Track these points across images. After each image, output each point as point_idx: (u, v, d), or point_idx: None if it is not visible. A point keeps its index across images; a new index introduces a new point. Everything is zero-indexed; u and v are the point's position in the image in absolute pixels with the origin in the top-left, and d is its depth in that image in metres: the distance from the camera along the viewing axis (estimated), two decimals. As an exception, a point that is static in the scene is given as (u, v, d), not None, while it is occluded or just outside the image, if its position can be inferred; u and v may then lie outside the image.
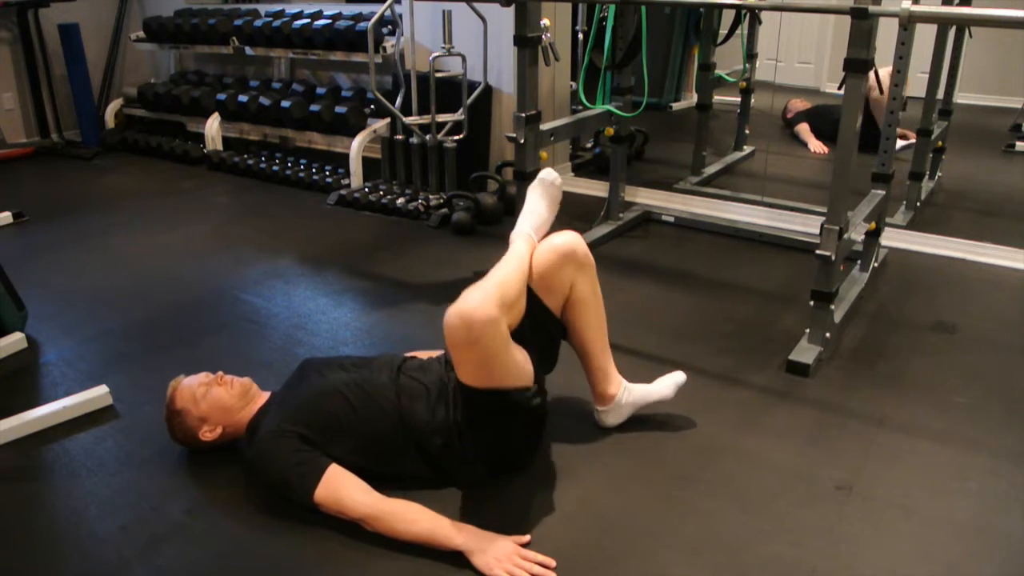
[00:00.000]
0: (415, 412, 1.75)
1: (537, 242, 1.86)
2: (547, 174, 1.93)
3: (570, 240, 1.85)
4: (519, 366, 1.65)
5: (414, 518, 1.62)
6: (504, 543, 1.58)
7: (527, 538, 1.62)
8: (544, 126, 2.87)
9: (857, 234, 2.57)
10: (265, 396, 1.90)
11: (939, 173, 4.10)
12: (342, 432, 1.73)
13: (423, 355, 1.98)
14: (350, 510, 1.65)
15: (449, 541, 1.59)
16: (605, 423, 2.03)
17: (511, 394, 1.65)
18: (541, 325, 1.82)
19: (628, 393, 2.00)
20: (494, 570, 1.54)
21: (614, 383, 1.99)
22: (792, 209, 3.62)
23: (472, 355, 1.55)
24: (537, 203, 1.90)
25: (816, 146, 4.83)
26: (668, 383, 2.03)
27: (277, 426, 1.74)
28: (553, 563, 1.57)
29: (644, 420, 2.05)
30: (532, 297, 1.79)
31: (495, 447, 1.77)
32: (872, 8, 2.07)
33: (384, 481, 1.71)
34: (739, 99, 4.51)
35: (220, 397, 1.84)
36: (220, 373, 1.89)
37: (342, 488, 1.66)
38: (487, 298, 1.53)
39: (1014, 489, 1.81)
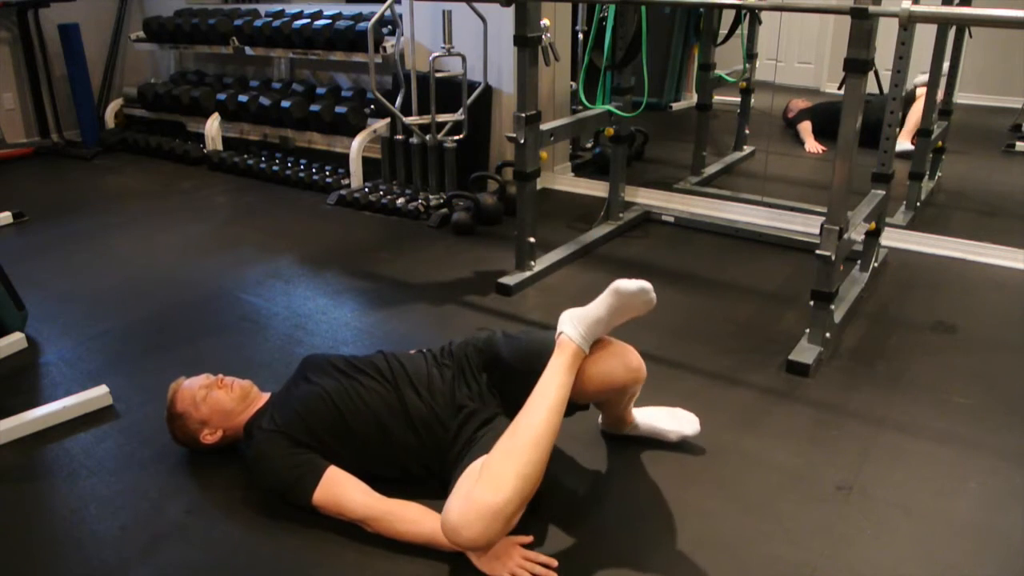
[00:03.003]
0: (406, 438, 1.72)
1: (587, 352, 1.66)
2: (643, 292, 1.61)
3: (628, 373, 1.67)
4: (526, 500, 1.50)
5: (415, 518, 1.62)
6: (506, 543, 1.58)
7: (529, 538, 1.62)
8: (544, 126, 2.87)
9: (857, 234, 2.57)
10: (265, 397, 1.90)
11: (939, 173, 4.10)
12: (332, 437, 1.72)
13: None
14: (350, 511, 1.65)
15: (451, 541, 1.58)
16: (607, 432, 2.03)
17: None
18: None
19: (635, 429, 1.96)
20: (496, 570, 1.54)
21: (626, 422, 1.95)
22: (792, 209, 3.62)
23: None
24: (607, 312, 1.63)
25: (812, 146, 4.84)
26: (675, 430, 1.95)
27: (274, 428, 1.73)
28: (555, 563, 1.57)
29: (644, 420, 2.05)
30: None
31: None
32: (872, 8, 2.07)
33: (376, 482, 1.71)
34: (739, 99, 4.51)
35: (220, 400, 1.83)
36: (220, 376, 1.89)
37: (341, 489, 1.66)
38: (494, 525, 1.40)
39: (1014, 489, 1.81)
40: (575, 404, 1.73)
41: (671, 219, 3.63)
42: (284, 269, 3.14)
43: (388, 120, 4.02)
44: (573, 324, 1.65)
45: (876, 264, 2.99)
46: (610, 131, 3.37)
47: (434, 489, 1.77)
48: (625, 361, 1.69)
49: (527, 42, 2.70)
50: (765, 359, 2.39)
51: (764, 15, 4.36)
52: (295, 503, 1.69)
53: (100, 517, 1.74)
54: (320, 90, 4.74)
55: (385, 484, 1.70)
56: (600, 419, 2.00)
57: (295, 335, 2.58)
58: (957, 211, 3.79)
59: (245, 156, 4.62)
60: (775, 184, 4.08)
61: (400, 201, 3.80)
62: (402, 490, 1.71)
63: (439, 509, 1.64)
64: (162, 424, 1.89)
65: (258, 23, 4.72)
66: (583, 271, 3.11)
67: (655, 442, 1.98)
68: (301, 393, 1.79)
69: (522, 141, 2.77)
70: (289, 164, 4.46)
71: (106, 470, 1.90)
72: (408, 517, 1.62)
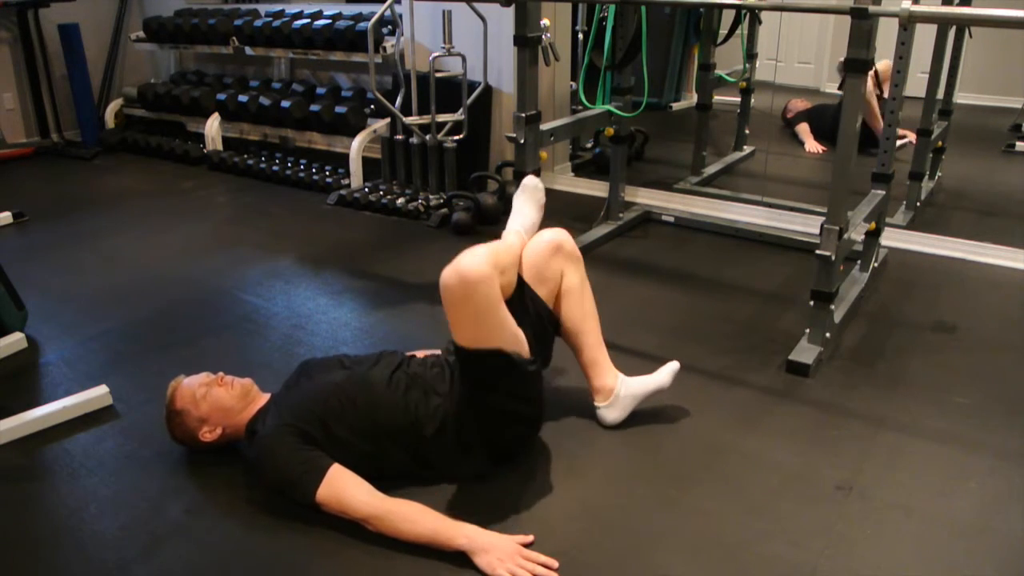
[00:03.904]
0: (413, 402, 1.77)
1: (527, 239, 2.02)
2: (529, 180, 2.12)
3: (557, 234, 2.03)
4: (513, 331, 1.73)
5: (416, 518, 1.62)
6: (506, 543, 1.58)
7: (530, 538, 1.62)
8: (544, 126, 2.87)
9: (857, 234, 2.57)
10: (265, 397, 1.90)
11: (939, 173, 4.10)
12: (341, 428, 1.73)
13: (422, 355, 1.98)
14: (352, 510, 1.65)
15: (451, 541, 1.59)
16: (606, 420, 2.03)
17: (507, 355, 1.69)
18: (535, 314, 1.92)
19: (625, 386, 2.02)
20: (497, 570, 1.54)
21: (610, 375, 2.02)
22: (792, 209, 3.62)
23: (467, 310, 1.66)
24: (523, 207, 2.10)
25: (812, 146, 4.84)
26: (664, 371, 2.06)
27: (278, 425, 1.74)
28: (555, 563, 1.57)
29: (645, 420, 2.05)
30: (526, 288, 1.92)
31: (492, 425, 1.78)
32: (872, 8, 2.07)
33: (385, 479, 1.71)
34: (739, 99, 4.51)
35: (220, 398, 1.84)
36: (220, 374, 1.89)
37: (344, 488, 1.66)
38: (480, 258, 1.66)
39: (1014, 489, 1.81)
40: (541, 312, 1.93)
41: (671, 219, 3.63)
42: (284, 269, 3.14)
43: (388, 120, 4.02)
44: (511, 223, 2.07)
45: (876, 264, 2.99)
46: (610, 131, 3.37)
47: (435, 491, 1.77)
48: (548, 228, 2.04)
49: (527, 42, 2.70)
50: (765, 359, 2.39)
51: (764, 15, 4.36)
52: (298, 500, 1.68)
53: (100, 517, 1.74)
54: (320, 90, 4.74)
55: (388, 484, 1.70)
56: (593, 400, 2.03)
57: (295, 335, 2.58)
58: (957, 211, 3.80)
59: (245, 156, 4.62)
60: (775, 184, 4.08)
61: (400, 201, 3.80)
62: (404, 491, 1.71)
63: (440, 509, 1.65)
64: (162, 424, 1.88)
65: (258, 23, 4.72)
66: (583, 271, 3.11)
67: (653, 441, 1.98)
68: (309, 388, 1.81)
69: (522, 141, 2.77)
70: (289, 164, 4.46)
71: (106, 470, 1.90)
72: (410, 516, 1.63)
